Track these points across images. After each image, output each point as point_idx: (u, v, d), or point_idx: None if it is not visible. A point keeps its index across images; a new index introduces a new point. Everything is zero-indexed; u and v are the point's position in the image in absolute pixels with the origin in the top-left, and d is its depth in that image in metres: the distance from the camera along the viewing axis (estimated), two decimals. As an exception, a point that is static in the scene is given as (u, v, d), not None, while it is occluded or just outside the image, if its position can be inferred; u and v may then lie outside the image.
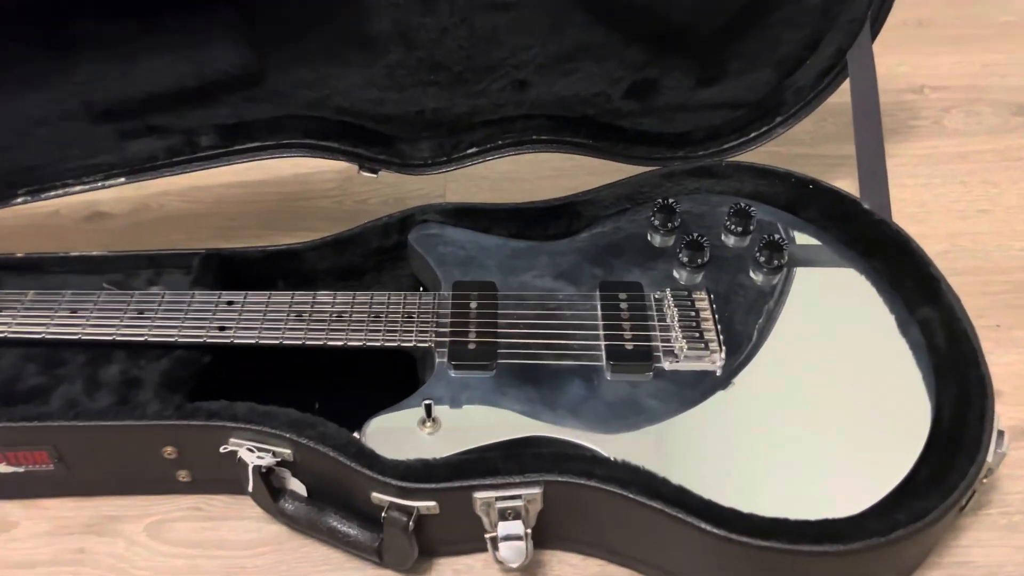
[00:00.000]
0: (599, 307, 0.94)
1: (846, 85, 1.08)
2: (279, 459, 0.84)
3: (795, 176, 1.07)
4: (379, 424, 0.84)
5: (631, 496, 0.77)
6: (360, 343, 0.90)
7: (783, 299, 0.97)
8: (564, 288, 0.97)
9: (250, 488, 0.84)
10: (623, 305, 0.94)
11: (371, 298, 0.94)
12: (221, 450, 0.84)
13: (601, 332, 0.92)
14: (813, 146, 1.32)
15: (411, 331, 0.91)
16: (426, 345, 0.90)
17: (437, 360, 0.90)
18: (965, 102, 1.41)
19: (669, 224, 1.02)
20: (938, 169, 1.29)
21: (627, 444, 0.83)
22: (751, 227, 1.02)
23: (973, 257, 1.16)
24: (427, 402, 0.83)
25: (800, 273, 0.99)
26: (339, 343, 0.90)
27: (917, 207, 1.23)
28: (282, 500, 0.86)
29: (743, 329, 0.93)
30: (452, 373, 0.89)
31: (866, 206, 1.03)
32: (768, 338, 0.93)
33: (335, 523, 0.85)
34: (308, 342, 0.90)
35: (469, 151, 1.07)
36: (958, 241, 1.18)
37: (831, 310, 0.96)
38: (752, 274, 0.99)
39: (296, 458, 0.84)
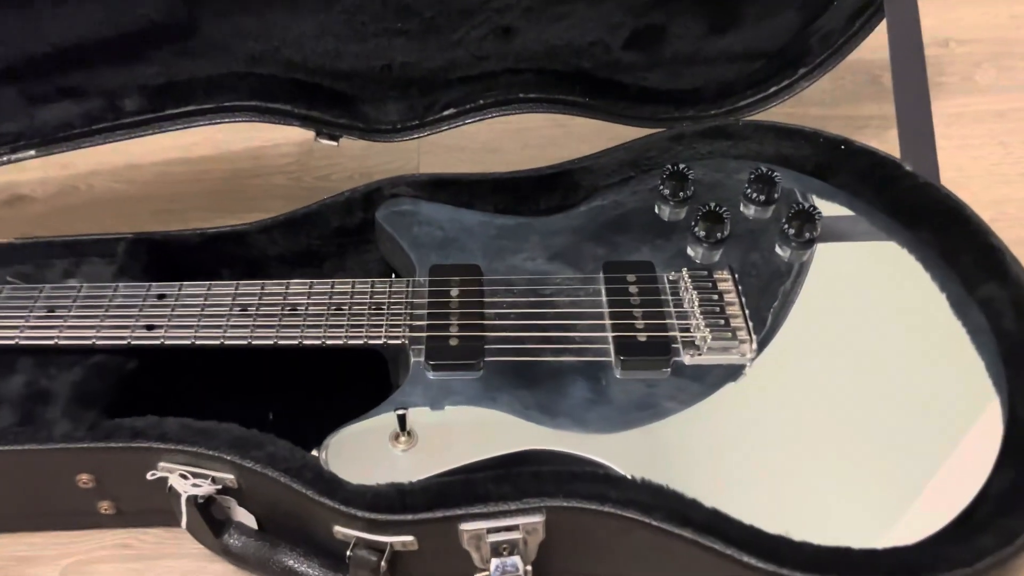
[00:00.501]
0: (604, 292, 0.79)
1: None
2: (220, 486, 0.68)
3: (824, 135, 0.92)
4: (341, 440, 0.69)
5: (655, 524, 0.62)
6: (318, 341, 0.75)
7: (816, 279, 0.82)
8: (561, 271, 0.82)
9: (183, 522, 0.68)
10: (632, 289, 0.79)
11: (331, 287, 0.79)
12: (149, 477, 0.69)
13: (608, 322, 0.77)
14: (831, 107, 1.18)
15: (380, 325, 0.76)
16: (398, 342, 0.75)
17: (412, 360, 0.74)
18: (995, 56, 1.26)
19: (681, 194, 0.87)
20: (974, 129, 1.15)
21: (645, 457, 0.68)
22: (775, 195, 0.87)
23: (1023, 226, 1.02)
24: (400, 411, 0.68)
25: (833, 249, 0.85)
26: (292, 342, 0.75)
27: (955, 171, 1.08)
28: (226, 535, 0.71)
29: (772, 315, 0.78)
30: (430, 375, 0.74)
31: (908, 167, 0.88)
32: (801, 326, 0.78)
33: (291, 562, 0.69)
34: (255, 341, 0.75)
35: (445, 113, 0.92)
36: (1005, 208, 1.04)
37: (871, 291, 0.81)
38: (779, 250, 0.84)
39: (241, 484, 0.69)
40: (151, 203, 1.08)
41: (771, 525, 0.63)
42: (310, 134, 1.17)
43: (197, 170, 1.13)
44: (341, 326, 0.75)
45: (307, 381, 0.82)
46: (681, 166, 0.88)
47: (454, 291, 0.79)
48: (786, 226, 0.84)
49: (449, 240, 0.85)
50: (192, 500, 0.67)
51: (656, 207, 0.88)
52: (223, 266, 0.86)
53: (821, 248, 0.84)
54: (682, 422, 0.71)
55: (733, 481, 0.67)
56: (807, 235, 0.83)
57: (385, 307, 0.77)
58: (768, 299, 0.80)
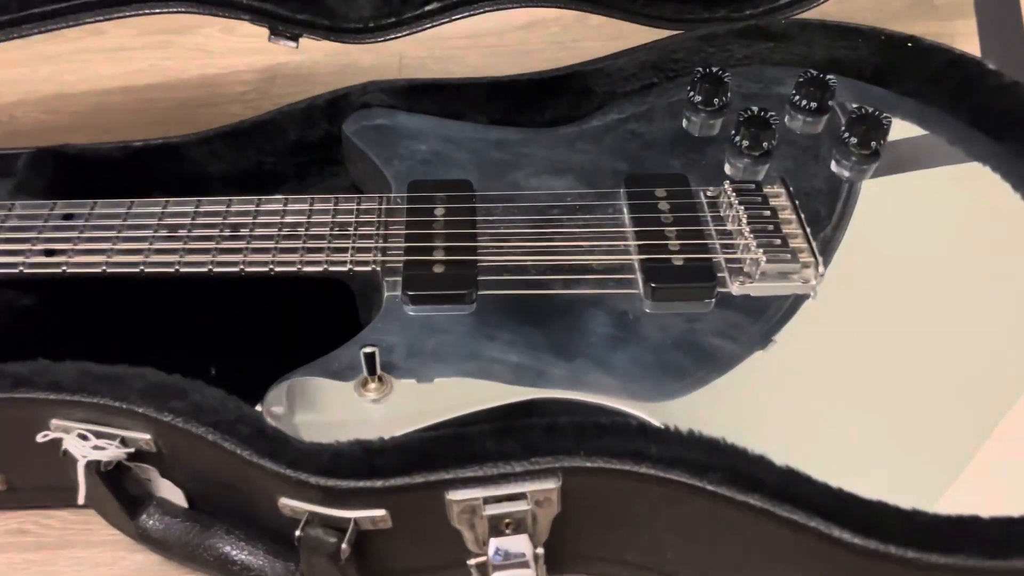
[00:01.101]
0: (627, 210, 0.63)
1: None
2: (132, 449, 0.52)
3: (886, 32, 0.77)
4: (290, 389, 0.53)
5: (711, 488, 0.46)
6: (265, 269, 0.59)
7: (884, 202, 0.67)
8: (573, 188, 0.66)
9: (81, 496, 0.52)
10: (663, 206, 0.63)
11: (284, 205, 0.62)
12: (40, 439, 0.52)
13: (633, 243, 0.61)
14: (876, 11, 1.01)
15: (344, 249, 0.59)
16: (367, 269, 0.59)
17: (386, 292, 0.58)
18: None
19: (716, 100, 0.71)
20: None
21: (691, 407, 0.52)
22: (828, 103, 0.72)
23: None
24: (367, 349, 0.51)
25: (902, 169, 0.69)
26: (233, 269, 0.58)
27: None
28: (145, 515, 0.54)
29: (833, 240, 0.63)
30: (409, 310, 0.57)
31: (991, 66, 0.72)
32: (871, 254, 0.63)
33: (227, 548, 0.53)
34: (184, 268, 0.58)
35: (427, 7, 0.75)
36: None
37: (951, 216, 0.66)
38: (837, 164, 0.68)
39: (160, 447, 0.52)
40: (82, 134, 0.91)
41: (864, 488, 0.47)
42: (273, 59, 1.01)
43: (140, 99, 0.96)
44: (295, 250, 0.59)
45: (259, 325, 0.66)
46: (715, 69, 0.73)
47: (439, 209, 0.63)
48: (846, 134, 0.68)
49: (434, 157, 0.69)
50: (93, 467, 0.51)
51: (685, 119, 0.72)
52: (154, 188, 0.70)
53: (888, 165, 0.68)
54: (735, 363, 0.55)
55: (806, 434, 0.51)
56: (874, 144, 0.68)
57: (352, 228, 0.61)
58: (826, 223, 0.64)
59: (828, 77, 0.72)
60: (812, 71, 0.73)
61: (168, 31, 1.03)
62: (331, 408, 0.52)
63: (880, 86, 0.76)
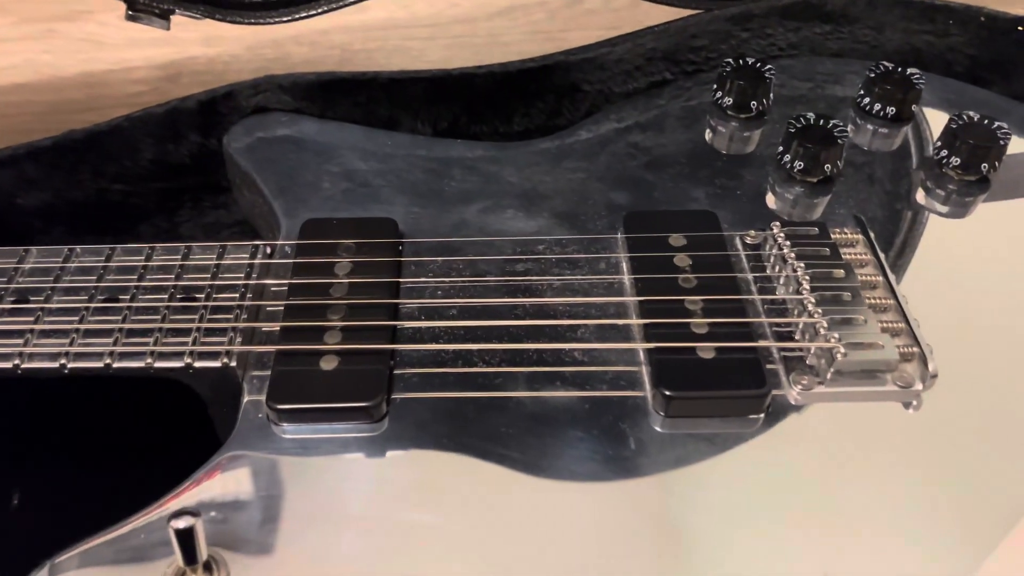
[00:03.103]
0: (626, 266, 0.42)
1: None
2: None
3: (987, 13, 0.55)
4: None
5: None
6: (54, 364, 0.37)
7: (999, 248, 0.46)
8: (549, 230, 0.45)
9: None
10: (682, 261, 0.42)
11: (105, 259, 0.41)
12: None
13: (635, 321, 0.39)
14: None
15: (186, 331, 0.38)
16: (216, 364, 0.37)
17: (246, 399, 0.37)
18: None
19: (752, 105, 0.50)
20: None
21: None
22: (912, 108, 0.51)
23: None
24: (179, 523, 0.30)
25: (1014, 194, 0.48)
26: (5, 364, 0.37)
27: None
28: None
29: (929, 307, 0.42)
30: (281, 432, 0.36)
31: None
32: (990, 328, 0.41)
33: None
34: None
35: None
36: None
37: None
38: (929, 195, 0.47)
39: None
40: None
41: None
42: (179, 52, 0.80)
43: (2, 103, 0.75)
44: (107, 332, 0.38)
45: (94, 437, 0.45)
46: (750, 60, 0.51)
47: (342, 266, 0.41)
48: (944, 153, 0.47)
49: (350, 184, 0.47)
50: None
51: (710, 129, 0.51)
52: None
53: (998, 191, 0.48)
54: (801, 526, 0.34)
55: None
56: (984, 168, 0.47)
57: (203, 296, 0.39)
58: (915, 276, 0.43)
59: (910, 72, 0.51)
60: (886, 64, 0.52)
61: (54, 18, 0.82)
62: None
63: (978, 85, 0.55)
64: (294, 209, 0.46)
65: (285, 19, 0.54)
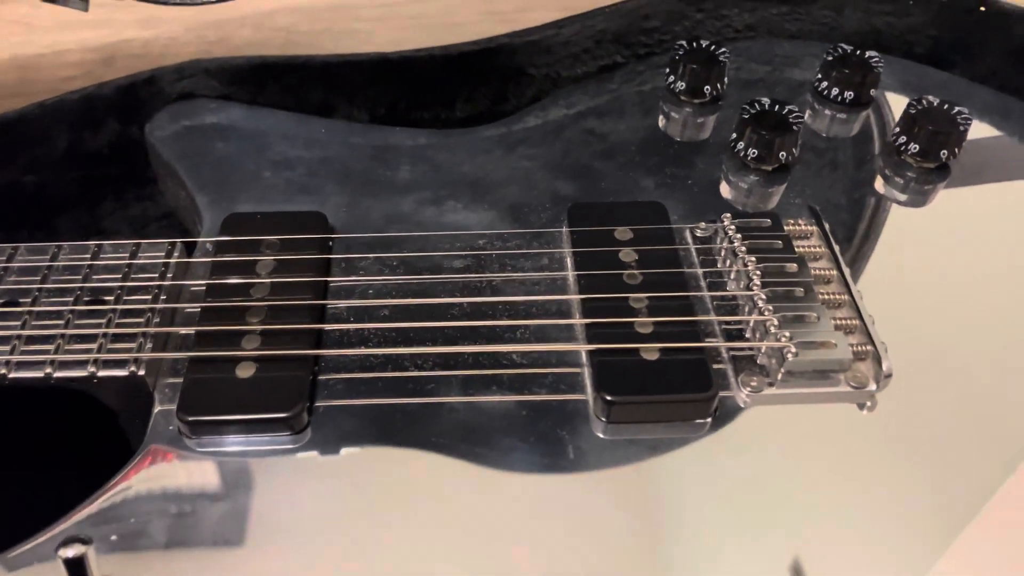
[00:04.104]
0: (570, 261, 0.40)
1: None
2: None
3: (947, -8, 0.53)
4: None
5: None
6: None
7: (957, 237, 0.44)
8: (489, 223, 0.42)
9: None
10: (627, 255, 0.40)
11: (6, 259, 0.38)
12: None
13: (578, 320, 0.37)
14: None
15: (91, 337, 0.35)
16: (123, 373, 0.34)
17: (156, 409, 0.34)
18: None
19: (707, 90, 0.48)
20: None
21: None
22: (871, 92, 0.49)
23: None
24: (68, 551, 0.27)
25: (979, 183, 0.47)
26: None
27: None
28: None
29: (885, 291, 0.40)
30: (194, 444, 0.33)
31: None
32: (948, 321, 0.39)
33: None
34: None
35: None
36: None
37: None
38: (887, 183, 0.46)
39: None
40: None
41: None
42: (114, 34, 0.77)
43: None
44: (5, 340, 0.35)
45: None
46: (704, 42, 0.49)
47: (264, 263, 0.39)
48: (903, 140, 0.45)
49: (279, 175, 0.45)
50: None
51: (662, 115, 0.49)
52: None
53: (959, 179, 0.46)
54: (754, 532, 0.32)
55: None
56: (944, 155, 0.45)
57: (113, 299, 0.36)
58: (872, 270, 0.41)
59: (869, 55, 0.49)
60: (844, 46, 0.50)
61: (-16, -2, 0.78)
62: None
63: (940, 67, 0.53)
64: (218, 203, 0.43)
65: (214, 1, 0.50)
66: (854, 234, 0.43)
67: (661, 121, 0.49)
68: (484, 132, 0.48)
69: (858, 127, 0.49)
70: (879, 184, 0.46)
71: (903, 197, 0.46)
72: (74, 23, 0.79)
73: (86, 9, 0.50)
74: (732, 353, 0.37)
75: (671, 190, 0.45)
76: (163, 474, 0.33)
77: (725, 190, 0.45)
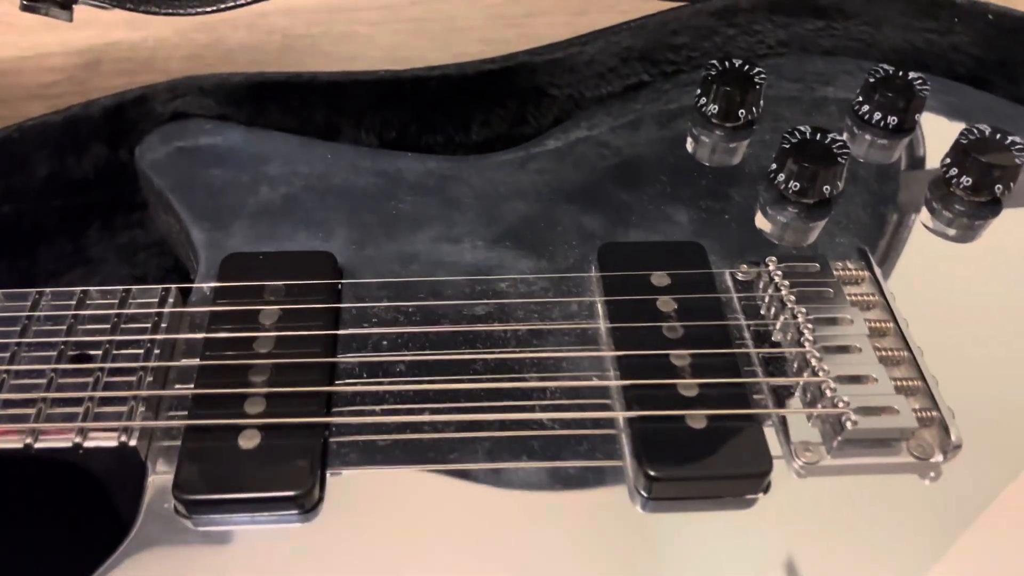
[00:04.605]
0: (602, 310, 0.36)
1: None
2: None
3: (995, 10, 0.50)
4: None
5: None
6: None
7: (1010, 277, 0.41)
8: (514, 262, 0.39)
9: None
10: (666, 304, 0.36)
11: (-16, 306, 0.34)
12: None
13: (614, 382, 0.34)
14: None
15: (76, 400, 0.32)
16: (111, 444, 0.31)
17: (151, 478, 0.31)
18: None
19: (741, 113, 0.45)
20: None
21: None
22: (916, 116, 0.46)
23: None
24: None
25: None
26: None
27: None
28: None
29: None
30: (192, 524, 0.30)
31: None
32: (1014, 371, 0.37)
33: None
34: None
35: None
36: None
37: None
38: (935, 217, 0.43)
39: None
40: None
41: None
42: (101, 35, 0.73)
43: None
44: (-21, 404, 0.31)
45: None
46: (737, 62, 0.46)
47: (268, 313, 0.35)
48: (953, 172, 0.42)
49: (282, 207, 0.41)
50: None
51: (691, 138, 0.46)
52: None
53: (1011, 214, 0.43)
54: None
55: None
56: (998, 189, 0.42)
57: (102, 355, 0.33)
58: (925, 318, 0.38)
59: (912, 76, 0.46)
60: (886, 67, 0.46)
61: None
62: None
63: (981, 86, 0.50)
64: (215, 238, 0.39)
65: (209, 9, 0.47)
66: (902, 276, 0.40)
67: (691, 146, 0.46)
68: (502, 158, 0.44)
69: (900, 154, 0.46)
70: (927, 219, 0.43)
71: (952, 233, 0.42)
72: (58, 23, 0.75)
73: (70, 19, 0.46)
74: (777, 414, 0.33)
75: (706, 225, 0.41)
76: (159, 558, 0.29)
77: (763, 224, 0.42)
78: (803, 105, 0.48)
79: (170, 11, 0.47)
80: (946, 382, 0.34)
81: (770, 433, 0.33)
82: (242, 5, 0.47)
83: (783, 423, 0.33)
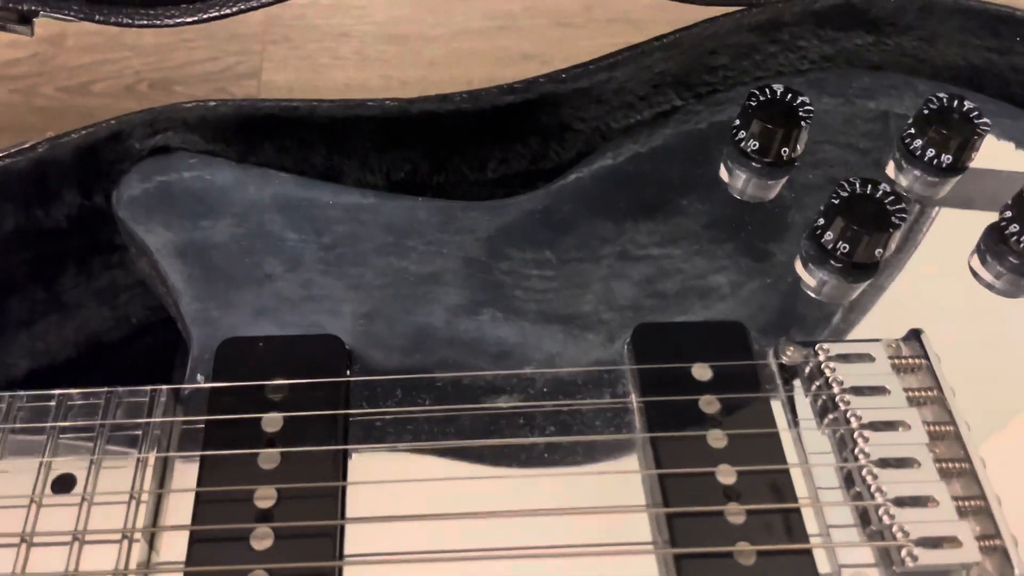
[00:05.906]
0: (638, 415, 0.33)
1: None
2: None
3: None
4: None
5: None
6: None
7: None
8: (536, 339, 0.35)
9: None
10: (708, 405, 0.33)
11: (-50, 415, 0.30)
12: None
13: (655, 509, 0.31)
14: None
15: (64, 542, 0.28)
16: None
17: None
18: None
19: (785, 151, 0.41)
20: None
21: None
22: (971, 152, 0.42)
23: None
24: None
25: None
26: None
27: None
28: None
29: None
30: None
31: None
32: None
33: None
34: None
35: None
36: None
37: None
38: (998, 279, 0.39)
39: None
40: None
41: None
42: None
43: None
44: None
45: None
46: (779, 88, 0.41)
47: (271, 420, 0.31)
48: (1014, 230, 0.39)
49: (279, 261, 0.37)
50: None
51: (726, 170, 0.42)
52: None
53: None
54: None
55: None
56: (1068, 251, 0.38)
57: (90, 470, 0.29)
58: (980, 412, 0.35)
59: (968, 108, 0.42)
60: (941, 96, 0.42)
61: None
62: None
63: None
64: (207, 310, 0.35)
65: (190, 19, 0.41)
66: (956, 361, 0.36)
67: (726, 179, 0.42)
68: (521, 202, 0.40)
69: (948, 193, 0.42)
70: (985, 279, 0.39)
71: (1013, 290, 0.39)
72: None
73: (31, 34, 0.40)
74: (825, 544, 0.31)
75: (744, 289, 0.38)
76: None
77: (809, 289, 0.38)
78: (847, 127, 0.44)
79: (145, 23, 0.41)
80: (1006, 492, 0.32)
81: (818, 555, 0.31)
82: (227, 15, 0.42)
83: (834, 554, 0.31)
